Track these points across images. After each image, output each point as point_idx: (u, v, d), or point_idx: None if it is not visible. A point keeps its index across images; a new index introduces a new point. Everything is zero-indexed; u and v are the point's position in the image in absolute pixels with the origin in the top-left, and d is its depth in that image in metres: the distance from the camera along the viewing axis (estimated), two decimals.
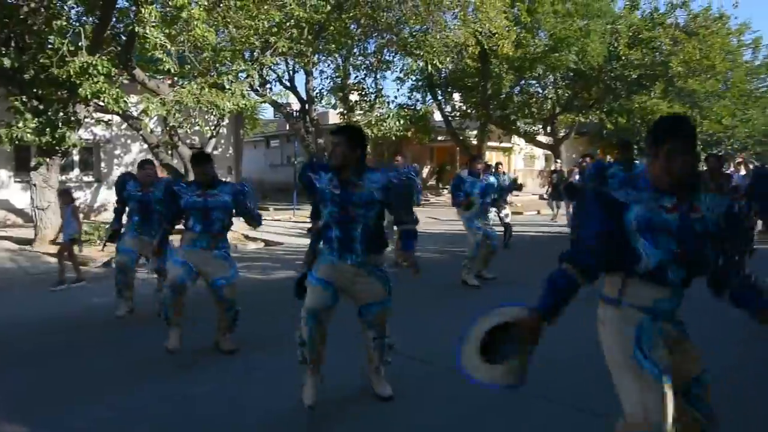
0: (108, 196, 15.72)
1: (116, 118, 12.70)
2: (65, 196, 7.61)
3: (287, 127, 28.49)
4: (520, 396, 3.27)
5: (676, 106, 23.12)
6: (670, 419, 1.95)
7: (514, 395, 3.28)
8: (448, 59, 13.51)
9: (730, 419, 2.43)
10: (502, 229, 10.00)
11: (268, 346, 4.50)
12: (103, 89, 9.17)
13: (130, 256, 5.41)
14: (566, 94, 18.78)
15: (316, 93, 14.67)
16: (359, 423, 3.26)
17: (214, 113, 10.78)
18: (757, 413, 3.15)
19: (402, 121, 13.84)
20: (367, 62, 15.40)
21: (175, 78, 12.27)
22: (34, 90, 9.78)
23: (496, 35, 12.60)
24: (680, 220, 2.04)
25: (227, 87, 10.93)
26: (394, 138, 14.34)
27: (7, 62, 9.02)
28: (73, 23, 9.38)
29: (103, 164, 15.21)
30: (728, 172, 14.70)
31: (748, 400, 3.26)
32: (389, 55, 15.95)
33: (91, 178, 15.33)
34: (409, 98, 19.31)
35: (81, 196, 14.72)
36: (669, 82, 19.95)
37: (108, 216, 14.47)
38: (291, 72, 15.77)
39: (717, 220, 2.05)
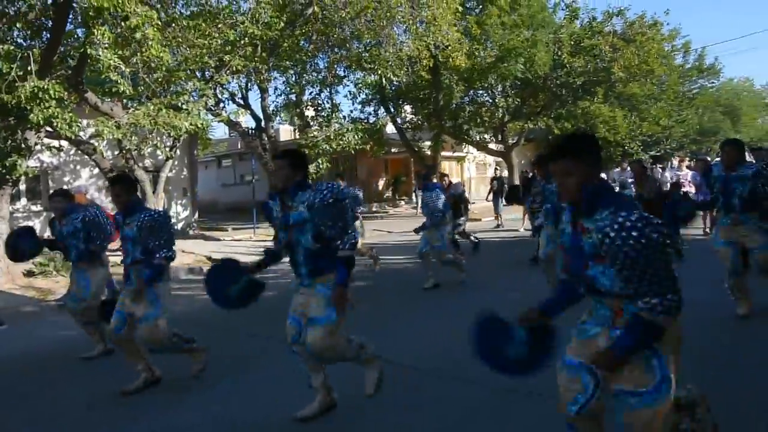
0: None
1: (64, 144, 12.28)
2: None
3: (239, 146, 28.28)
4: (512, 394, 3.40)
5: (616, 110, 24.23)
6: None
7: (505, 395, 3.41)
8: (401, 72, 13.71)
9: (725, 419, 2.51)
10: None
11: (241, 364, 4.50)
12: (56, 114, 8.88)
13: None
14: (515, 103, 19.35)
15: (272, 110, 14.59)
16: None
17: (171, 134, 10.58)
18: (749, 414, 3.11)
19: (360, 135, 13.92)
20: (320, 77, 15.44)
21: (125, 100, 12.01)
22: None
23: (449, 47, 12.91)
24: (571, 238, 2.12)
25: (184, 107, 10.77)
26: (353, 152, 14.41)
27: None
28: (21, 47, 9.03)
29: (51, 192, 14.62)
30: (656, 173, 15.53)
31: (742, 401, 3.24)
32: (341, 70, 16.07)
33: (39, 207, 14.69)
34: (362, 112, 19.49)
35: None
36: (609, 87, 20.88)
37: None
38: (244, 90, 15.66)
39: (599, 240, 1.96)
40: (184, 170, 17.02)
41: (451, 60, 13.40)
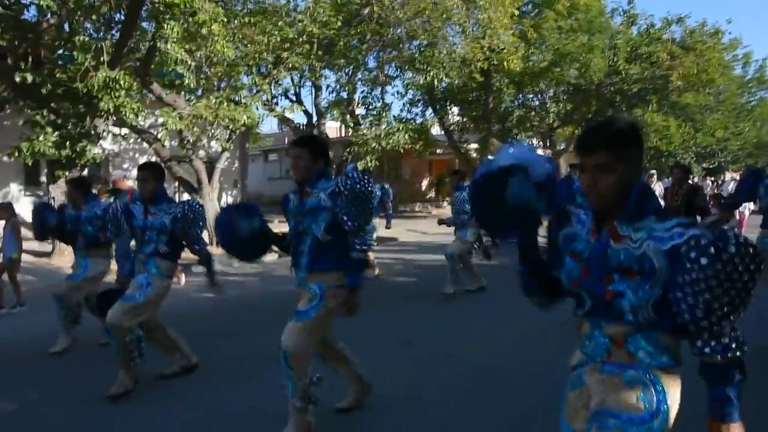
0: None
1: (124, 132, 12.79)
2: (5, 211, 6.89)
3: (285, 141, 28.79)
4: None
5: (670, 119, 23.60)
6: None
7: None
8: (454, 73, 13.74)
9: None
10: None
11: None
12: (125, 103, 9.30)
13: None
14: (566, 108, 19.09)
15: (326, 107, 14.85)
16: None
17: (229, 127, 10.90)
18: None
19: (409, 135, 14.02)
20: (372, 77, 15.60)
21: (183, 93, 12.43)
22: (51, 104, 9.87)
23: (504, 51, 12.89)
24: (594, 245, 1.69)
25: (242, 101, 11.10)
26: (401, 151, 14.54)
27: (29, 77, 9.10)
28: (94, 39, 9.46)
29: (111, 179, 15.22)
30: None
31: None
32: (392, 70, 16.20)
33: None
34: (409, 112, 19.57)
35: None
36: (663, 96, 20.35)
37: None
38: (297, 86, 15.96)
39: (650, 256, 1.58)
40: (236, 163, 17.47)
41: (505, 63, 13.35)
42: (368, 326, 4.82)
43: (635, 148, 1.67)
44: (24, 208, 13.95)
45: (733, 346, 1.53)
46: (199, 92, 12.08)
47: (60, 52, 10.32)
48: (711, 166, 31.54)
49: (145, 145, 15.32)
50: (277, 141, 29.68)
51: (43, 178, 14.31)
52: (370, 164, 14.60)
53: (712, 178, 31.72)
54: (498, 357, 4.60)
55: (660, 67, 17.74)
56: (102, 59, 9.18)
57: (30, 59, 9.87)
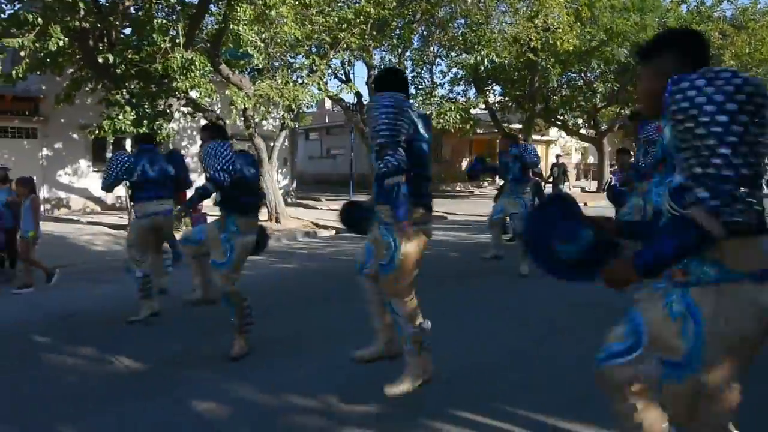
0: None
1: (187, 110, 13.28)
2: (23, 186, 6.58)
3: (326, 120, 29.21)
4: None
5: None
6: None
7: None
8: (506, 52, 13.87)
9: None
10: None
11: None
12: (200, 83, 9.78)
13: None
14: (614, 87, 19.00)
15: None
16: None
17: (292, 107, 11.31)
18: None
19: (459, 115, 14.26)
20: (422, 56, 15.81)
21: (247, 73, 12.88)
22: (125, 84, 10.41)
23: (559, 30, 12.97)
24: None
25: (305, 81, 11.49)
26: (452, 131, 14.79)
27: (110, 58, 9.63)
28: (170, 20, 9.92)
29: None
30: None
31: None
32: (441, 50, 16.36)
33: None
34: (451, 91, 19.71)
35: None
36: None
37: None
38: (347, 65, 16.26)
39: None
40: (285, 141, 17.93)
41: (559, 43, 13.42)
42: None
43: (666, 57, 1.72)
44: (92, 182, 14.76)
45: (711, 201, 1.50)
46: (263, 73, 12.50)
47: (128, 33, 10.86)
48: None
49: (202, 122, 15.95)
50: (316, 120, 30.12)
51: (109, 155, 15.04)
52: None
53: None
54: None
55: (712, 46, 17.49)
56: (177, 41, 9.66)
57: (106, 40, 10.42)
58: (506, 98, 21.20)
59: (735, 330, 1.55)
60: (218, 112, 12.72)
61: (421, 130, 2.89)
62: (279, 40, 11.14)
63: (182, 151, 16.49)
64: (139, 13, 10.03)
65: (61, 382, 3.63)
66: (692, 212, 1.48)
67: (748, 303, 1.54)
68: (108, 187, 5.12)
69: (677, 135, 1.55)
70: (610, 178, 13.86)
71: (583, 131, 23.66)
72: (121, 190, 15.10)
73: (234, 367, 3.84)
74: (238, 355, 3.95)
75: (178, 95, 10.50)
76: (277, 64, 12.73)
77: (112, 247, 9.59)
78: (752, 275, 1.55)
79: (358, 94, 15.65)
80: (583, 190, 23.58)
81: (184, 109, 12.02)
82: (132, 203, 5.43)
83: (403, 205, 2.71)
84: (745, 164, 1.46)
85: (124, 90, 10.10)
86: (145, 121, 10.12)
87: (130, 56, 10.22)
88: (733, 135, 1.46)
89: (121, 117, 9.88)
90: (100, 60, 9.65)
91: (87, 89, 11.50)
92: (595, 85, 18.30)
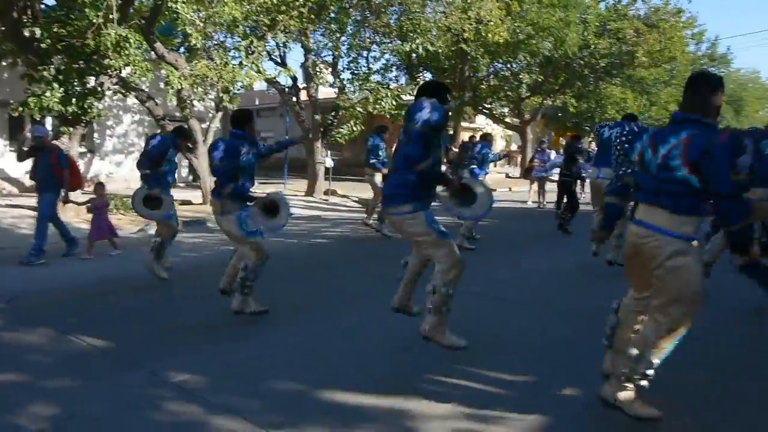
0: (101, 167, 15.74)
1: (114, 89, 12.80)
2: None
3: (256, 102, 28.69)
4: None
5: (627, 92, 24.91)
6: None
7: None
8: (440, 42, 14.29)
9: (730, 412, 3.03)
10: None
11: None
12: (135, 61, 9.49)
13: None
14: (538, 79, 19.97)
15: (316, 71, 15.13)
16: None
17: (230, 87, 11.17)
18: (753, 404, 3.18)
19: (396, 101, 14.56)
20: (357, 42, 15.91)
21: (182, 51, 12.56)
22: (50, 59, 9.90)
23: (491, 22, 13.52)
24: None
25: (243, 62, 11.37)
26: (388, 116, 15.06)
27: (37, 32, 9.14)
28: None
29: (96, 135, 15.18)
30: None
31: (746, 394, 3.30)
32: (375, 36, 16.52)
33: (83, 149, 15.28)
34: (383, 77, 19.99)
35: None
36: (620, 70, 21.44)
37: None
38: (282, 49, 16.11)
39: None
40: (218, 124, 17.58)
41: (491, 35, 13.98)
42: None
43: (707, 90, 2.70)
44: (8, 163, 13.90)
45: None
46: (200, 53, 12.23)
47: (53, 5, 10.31)
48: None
49: (128, 102, 15.35)
50: (244, 103, 29.50)
51: (28, 134, 14.18)
52: (356, 129, 15.10)
53: None
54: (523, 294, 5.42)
55: (626, 43, 18.78)
56: (111, 17, 9.30)
57: (30, 13, 9.86)
58: None
59: None
60: (147, 91, 12.35)
61: None
62: (216, 20, 10.94)
63: (107, 131, 15.86)
64: None
65: (20, 363, 3.62)
66: None
67: None
68: None
69: None
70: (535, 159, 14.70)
71: (508, 120, 24.68)
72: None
73: (208, 339, 3.98)
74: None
75: (110, 73, 10.12)
76: (210, 44, 12.48)
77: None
78: None
79: (294, 78, 15.58)
80: (507, 176, 24.64)
81: (114, 88, 11.57)
82: None
83: None
84: None
85: (52, 66, 9.62)
86: (74, 100, 9.72)
87: (56, 30, 9.74)
88: None
89: (48, 94, 9.43)
90: (27, 34, 9.14)
91: (4, 64, 10.84)
92: (521, 76, 19.16)
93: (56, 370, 3.46)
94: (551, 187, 14.96)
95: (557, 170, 10.82)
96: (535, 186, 14.69)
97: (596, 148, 7.74)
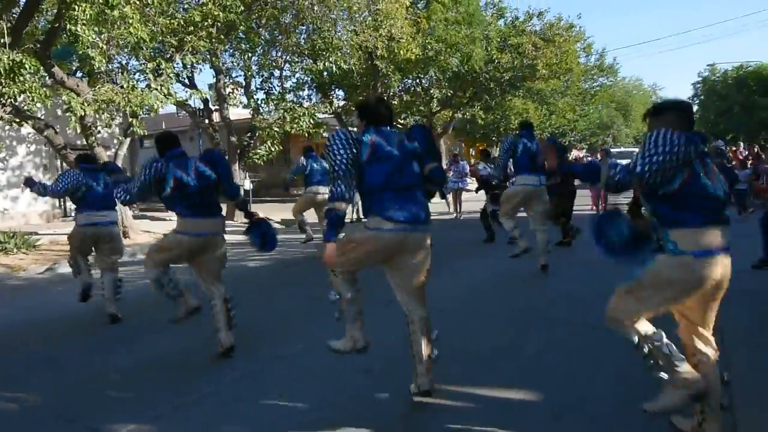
0: None
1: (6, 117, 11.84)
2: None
3: (163, 126, 27.53)
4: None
5: (528, 103, 26.34)
6: None
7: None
8: (354, 60, 14.42)
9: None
10: None
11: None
12: (32, 88, 8.80)
13: None
14: (447, 94, 20.60)
15: (228, 92, 14.75)
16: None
17: (139, 112, 10.63)
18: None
19: (313, 120, 14.50)
20: (269, 61, 15.74)
21: (80, 76, 11.83)
22: None
23: (403, 39, 13.81)
24: None
25: (151, 85, 10.86)
26: (307, 135, 14.95)
27: None
28: None
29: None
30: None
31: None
32: (286, 56, 16.42)
33: None
34: (296, 96, 19.89)
35: None
36: (522, 83, 22.62)
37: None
38: (190, 70, 15.61)
39: None
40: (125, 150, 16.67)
41: (403, 52, 14.28)
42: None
43: (671, 114, 2.60)
44: None
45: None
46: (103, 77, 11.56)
47: None
48: (563, 144, 35.60)
49: (23, 131, 14.23)
50: (149, 127, 28.25)
51: None
52: (273, 148, 14.86)
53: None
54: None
55: (527, 57, 19.83)
56: (2, 41, 8.59)
57: None
58: (349, 102, 21.90)
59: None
60: (44, 119, 11.50)
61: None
62: (120, 42, 10.41)
63: (0, 164, 14.58)
64: None
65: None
66: None
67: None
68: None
69: None
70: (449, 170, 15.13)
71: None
72: None
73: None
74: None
75: (3, 101, 9.32)
76: (110, 67, 11.84)
77: None
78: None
79: (205, 100, 15.13)
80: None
81: (7, 117, 10.68)
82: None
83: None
84: None
85: None
86: None
87: None
88: None
89: None
90: None
91: None
92: (431, 91, 19.70)
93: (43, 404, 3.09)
94: (467, 197, 15.49)
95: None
96: (450, 197, 15.02)
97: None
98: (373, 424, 3.01)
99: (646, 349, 2.57)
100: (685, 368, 2.54)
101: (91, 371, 4.06)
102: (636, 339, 2.57)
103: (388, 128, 3.23)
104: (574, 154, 39.27)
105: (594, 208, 13.50)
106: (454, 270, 7.40)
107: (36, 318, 5.70)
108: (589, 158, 23.35)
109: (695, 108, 45.93)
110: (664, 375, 2.54)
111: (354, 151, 3.07)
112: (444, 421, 3.04)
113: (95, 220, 5.52)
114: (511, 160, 7.04)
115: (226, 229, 4.58)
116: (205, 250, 4.27)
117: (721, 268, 2.48)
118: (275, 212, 16.22)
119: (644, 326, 2.59)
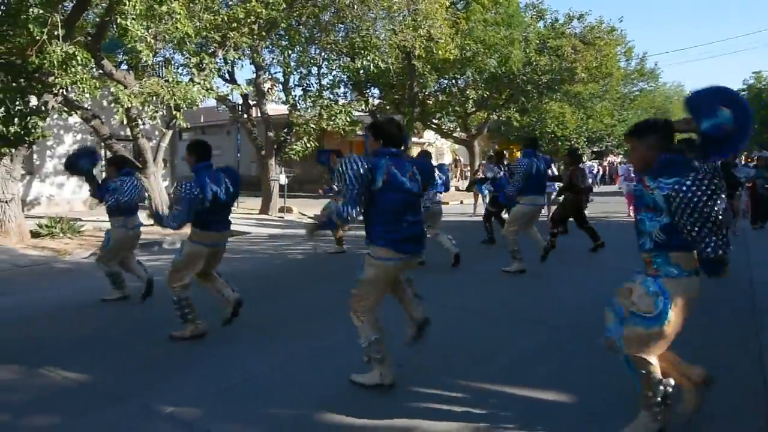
0: (41, 189, 14.98)
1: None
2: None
3: (201, 119, 28.09)
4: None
5: (565, 107, 26.01)
6: None
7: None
8: (392, 59, 14.50)
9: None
10: None
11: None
12: (84, 79, 9.12)
13: None
14: (484, 95, 20.52)
15: (267, 88, 15.00)
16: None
17: (183, 105, 10.91)
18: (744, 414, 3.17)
19: (350, 117, 14.63)
20: (308, 58, 15.93)
21: (124, 68, 12.19)
22: None
23: (442, 40, 13.84)
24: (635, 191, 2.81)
25: (194, 79, 11.14)
26: (342, 132, 15.11)
27: None
28: (48, 11, 9.12)
29: (35, 156, 14.44)
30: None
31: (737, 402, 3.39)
32: (323, 53, 16.59)
33: (22, 171, 14.49)
34: (332, 93, 20.06)
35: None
36: (560, 86, 22.37)
37: (41, 210, 13.91)
38: (231, 65, 15.91)
39: (657, 198, 2.59)
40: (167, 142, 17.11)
41: (441, 52, 14.32)
42: None
43: (652, 136, 2.72)
44: None
45: (720, 245, 2.50)
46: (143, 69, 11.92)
47: None
48: (599, 149, 35.06)
49: (70, 121, 14.74)
50: (189, 119, 28.84)
51: None
52: (309, 145, 15.04)
53: (598, 160, 35.18)
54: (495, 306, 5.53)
55: (565, 60, 19.61)
56: (56, 33, 8.92)
57: None
58: (384, 101, 21.99)
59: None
60: (91, 110, 11.89)
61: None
62: (167, 37, 10.70)
63: (48, 152, 15.14)
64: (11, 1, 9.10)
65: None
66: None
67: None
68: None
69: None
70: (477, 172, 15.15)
71: (456, 134, 25.23)
72: None
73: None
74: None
75: (55, 91, 9.69)
76: (156, 60, 12.17)
77: None
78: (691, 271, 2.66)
79: (244, 95, 15.41)
80: (457, 189, 25.09)
81: (57, 106, 11.08)
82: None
83: None
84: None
85: None
86: (16, 119, 9.23)
87: None
88: None
89: None
90: None
91: None
92: (467, 92, 19.66)
93: (36, 407, 3.26)
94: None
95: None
96: (480, 199, 14.97)
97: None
98: (401, 412, 3.09)
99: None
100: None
101: (137, 352, 4.24)
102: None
103: (399, 153, 3.43)
104: (610, 159, 38.70)
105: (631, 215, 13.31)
106: (479, 272, 7.43)
107: (83, 300, 5.95)
108: (626, 164, 22.96)
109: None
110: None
111: (368, 178, 3.23)
112: (470, 419, 3.10)
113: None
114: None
115: (262, 222, 4.80)
116: (214, 256, 4.60)
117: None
118: (308, 208, 16.44)
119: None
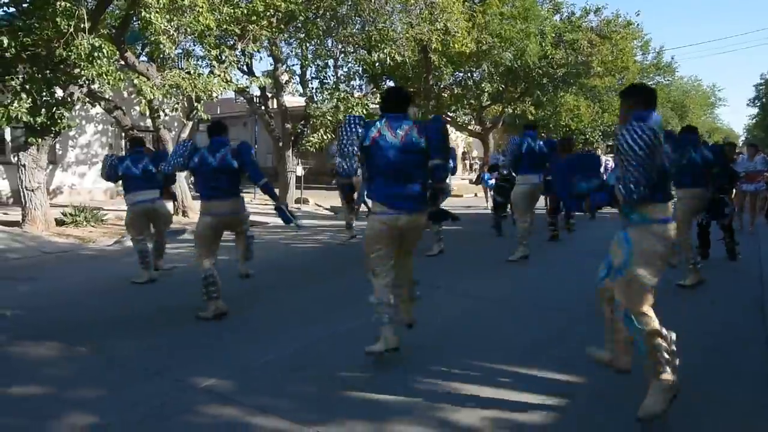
0: (63, 178, 15.32)
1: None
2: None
3: (218, 111, 28.35)
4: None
5: (580, 99, 25.89)
6: None
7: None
8: (409, 52, 14.60)
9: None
10: None
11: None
12: (109, 71, 9.36)
13: None
14: (499, 88, 20.53)
15: (286, 80, 15.18)
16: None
17: (203, 96, 11.13)
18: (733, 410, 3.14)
19: (366, 109, 14.77)
20: (325, 51, 16.07)
21: (145, 60, 12.42)
22: (15, 69, 9.65)
23: (458, 34, 13.92)
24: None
25: (214, 71, 11.35)
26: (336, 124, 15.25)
27: (5, 41, 8.90)
28: (75, 4, 9.35)
29: (57, 146, 14.76)
30: None
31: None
32: (340, 46, 16.71)
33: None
34: (347, 85, 20.17)
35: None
36: (576, 79, 22.27)
37: (63, 199, 14.22)
38: (249, 58, 16.10)
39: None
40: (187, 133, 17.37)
41: (458, 46, 14.40)
42: None
43: (632, 99, 3.11)
44: None
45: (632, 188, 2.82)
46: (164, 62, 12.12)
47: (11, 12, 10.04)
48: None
49: (92, 112, 15.04)
50: (207, 110, 29.09)
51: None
52: (325, 137, 15.21)
53: (613, 154, 34.95)
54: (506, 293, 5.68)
55: (581, 53, 19.56)
56: (82, 26, 9.16)
57: None
58: None
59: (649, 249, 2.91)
60: (112, 101, 12.15)
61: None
62: (188, 29, 10.90)
63: (70, 142, 15.45)
64: None
65: (37, 377, 3.62)
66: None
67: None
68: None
69: None
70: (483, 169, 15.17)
71: (471, 127, 25.26)
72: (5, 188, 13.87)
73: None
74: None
75: (81, 83, 9.95)
76: (176, 53, 12.38)
77: (11, 244, 8.92)
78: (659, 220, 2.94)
79: (263, 88, 15.60)
80: (471, 182, 25.15)
81: (81, 97, 11.35)
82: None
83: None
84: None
85: (18, 76, 9.38)
86: (43, 110, 9.50)
87: (21, 39, 9.50)
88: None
89: (15, 104, 9.20)
90: None
91: None
92: (483, 85, 19.69)
93: (77, 381, 3.47)
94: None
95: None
96: (488, 192, 15.00)
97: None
98: (419, 392, 3.26)
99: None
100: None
101: (167, 332, 4.45)
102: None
103: (402, 117, 3.66)
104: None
105: None
106: (498, 263, 7.57)
107: (112, 284, 6.19)
108: None
109: (756, 111, 44.13)
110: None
111: (360, 133, 3.60)
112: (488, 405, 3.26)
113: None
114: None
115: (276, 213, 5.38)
116: (230, 227, 5.12)
117: None
118: (324, 199, 16.65)
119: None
